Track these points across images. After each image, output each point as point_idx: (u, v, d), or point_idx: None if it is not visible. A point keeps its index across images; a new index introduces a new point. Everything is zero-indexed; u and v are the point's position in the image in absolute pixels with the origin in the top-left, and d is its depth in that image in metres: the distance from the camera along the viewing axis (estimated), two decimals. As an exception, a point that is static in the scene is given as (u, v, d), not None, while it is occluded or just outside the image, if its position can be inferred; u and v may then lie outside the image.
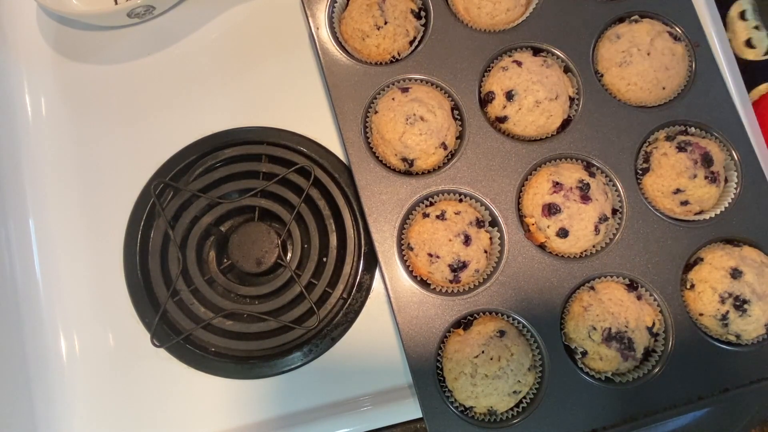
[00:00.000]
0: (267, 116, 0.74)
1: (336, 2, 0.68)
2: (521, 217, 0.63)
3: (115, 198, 0.73)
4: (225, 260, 0.71)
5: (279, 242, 0.68)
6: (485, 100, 0.65)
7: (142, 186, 0.72)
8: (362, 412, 0.65)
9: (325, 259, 0.70)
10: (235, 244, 0.69)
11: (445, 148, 0.64)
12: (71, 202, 0.73)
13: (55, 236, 0.72)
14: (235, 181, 0.71)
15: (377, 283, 0.70)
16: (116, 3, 0.77)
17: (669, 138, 0.64)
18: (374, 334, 0.69)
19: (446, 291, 0.62)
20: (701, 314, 0.61)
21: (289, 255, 0.71)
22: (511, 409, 0.59)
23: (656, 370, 0.60)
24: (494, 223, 0.63)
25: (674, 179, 0.62)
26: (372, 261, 0.70)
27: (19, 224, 0.73)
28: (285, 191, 0.70)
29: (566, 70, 0.66)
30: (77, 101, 0.76)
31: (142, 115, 0.75)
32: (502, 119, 0.64)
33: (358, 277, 0.70)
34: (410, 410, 0.64)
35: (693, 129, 0.65)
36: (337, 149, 0.72)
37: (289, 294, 0.68)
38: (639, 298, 0.61)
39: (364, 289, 0.70)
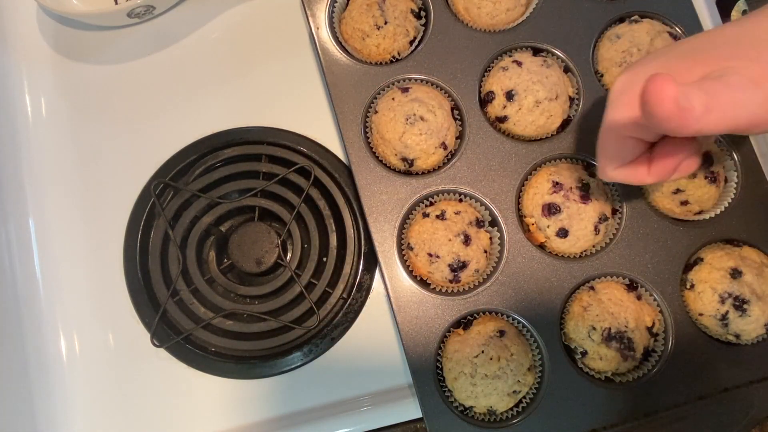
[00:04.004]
0: (267, 116, 0.74)
1: (336, 2, 0.68)
2: (521, 217, 0.63)
3: (115, 198, 0.73)
4: (225, 260, 0.71)
5: (279, 242, 0.68)
6: (485, 100, 0.65)
7: (142, 186, 0.72)
8: (362, 412, 0.65)
9: (325, 259, 0.70)
10: (235, 244, 0.69)
11: (445, 148, 0.64)
12: (71, 202, 0.73)
13: (55, 236, 0.72)
14: (235, 181, 0.71)
15: (377, 283, 0.70)
16: (116, 3, 0.77)
17: (669, 138, 0.64)
18: (374, 334, 0.69)
19: (446, 291, 0.62)
20: (701, 314, 0.61)
21: (289, 255, 0.71)
22: (511, 409, 0.59)
23: (656, 370, 0.60)
24: (494, 223, 0.63)
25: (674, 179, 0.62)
26: (372, 261, 0.70)
27: (19, 224, 0.73)
28: (285, 191, 0.70)
29: (566, 70, 0.66)
30: (77, 101, 0.76)
31: (142, 115, 0.75)
32: (502, 119, 0.65)
33: (358, 277, 0.70)
34: (410, 410, 0.64)
35: (693, 129, 0.65)
36: (337, 149, 0.72)
37: (289, 294, 0.68)
38: (639, 298, 0.61)
39: (364, 289, 0.70)
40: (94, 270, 0.71)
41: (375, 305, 0.69)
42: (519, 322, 0.61)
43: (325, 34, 0.67)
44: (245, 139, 0.73)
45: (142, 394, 0.68)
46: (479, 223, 0.63)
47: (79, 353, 0.70)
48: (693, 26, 0.66)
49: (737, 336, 0.60)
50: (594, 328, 0.59)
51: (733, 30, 0.45)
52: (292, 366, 0.68)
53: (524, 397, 0.60)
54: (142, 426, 0.68)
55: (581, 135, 0.64)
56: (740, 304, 0.59)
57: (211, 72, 0.76)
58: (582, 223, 0.61)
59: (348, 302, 0.69)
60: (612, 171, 0.50)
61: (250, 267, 0.68)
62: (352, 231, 0.70)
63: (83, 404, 0.68)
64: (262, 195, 0.70)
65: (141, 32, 0.77)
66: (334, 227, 0.70)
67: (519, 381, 0.58)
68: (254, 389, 0.68)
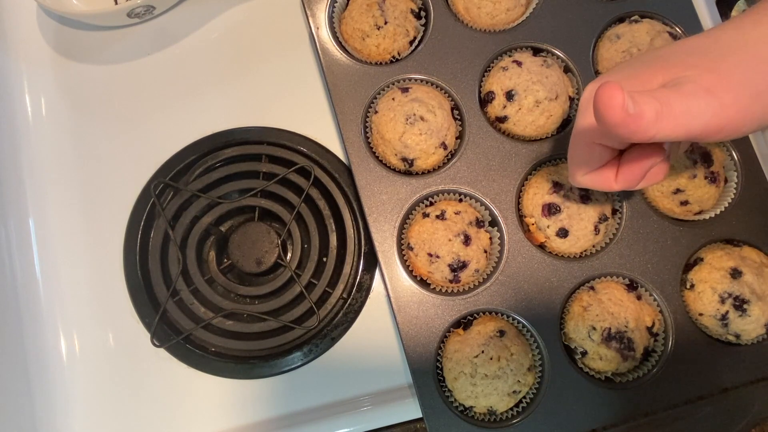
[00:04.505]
0: (267, 116, 0.74)
1: (336, 2, 0.68)
2: (521, 217, 0.63)
3: (115, 198, 0.73)
4: (225, 260, 0.71)
5: (279, 242, 0.68)
6: (485, 100, 0.65)
7: (142, 186, 0.72)
8: (362, 412, 0.65)
9: (325, 259, 0.70)
10: (235, 244, 0.69)
11: (445, 148, 0.64)
12: (71, 202, 0.73)
13: (55, 236, 0.72)
14: (235, 181, 0.71)
15: (377, 283, 0.70)
16: (116, 3, 0.77)
17: (669, 138, 0.64)
18: (374, 334, 0.69)
19: (446, 291, 0.62)
20: (701, 314, 0.61)
21: (289, 255, 0.71)
22: (511, 409, 0.59)
23: (656, 370, 0.60)
24: (494, 222, 0.63)
25: (674, 179, 0.62)
26: (372, 261, 0.70)
27: (19, 224, 0.73)
28: (285, 191, 0.70)
29: (566, 70, 0.66)
30: (77, 101, 0.76)
31: (142, 114, 0.75)
32: (502, 119, 0.65)
33: (358, 277, 0.69)
34: (410, 410, 0.64)
35: (693, 129, 0.65)
36: (337, 149, 0.73)
37: (289, 294, 0.68)
38: (639, 298, 0.61)
39: (364, 289, 0.70)
40: (94, 270, 0.71)
41: (375, 305, 0.69)
42: (519, 322, 0.61)
43: (325, 34, 0.67)
44: (245, 139, 0.73)
45: (142, 394, 0.68)
46: (479, 223, 0.63)
47: (79, 353, 0.70)
48: (693, 26, 0.66)
49: (737, 336, 0.60)
50: (594, 328, 0.59)
51: (695, 40, 0.46)
52: (292, 366, 0.68)
53: (524, 397, 0.60)
54: (142, 426, 0.68)
55: (581, 135, 0.64)
56: (740, 304, 0.59)
57: (211, 72, 0.76)
58: (582, 223, 0.61)
59: (348, 302, 0.69)
60: (581, 177, 0.51)
61: (250, 267, 0.68)
62: (352, 231, 0.70)
63: (83, 404, 0.68)
64: (262, 195, 0.70)
65: (141, 32, 0.77)
66: (334, 227, 0.70)
67: (519, 381, 0.58)
68: (254, 389, 0.68)
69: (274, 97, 0.74)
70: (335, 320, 0.69)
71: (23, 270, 0.71)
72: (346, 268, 0.69)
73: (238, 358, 0.68)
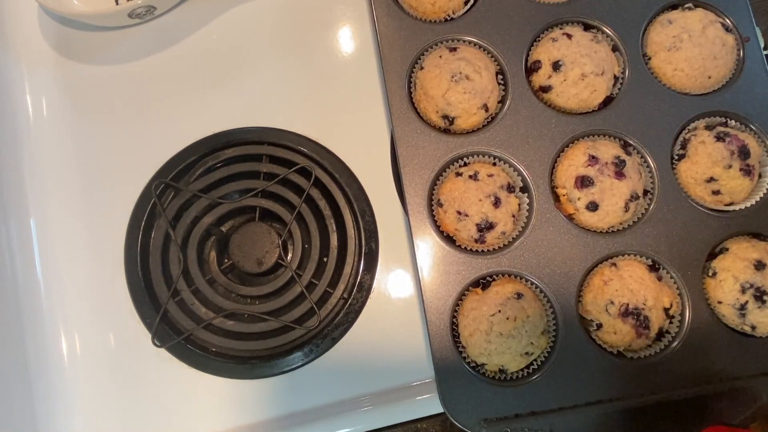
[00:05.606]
0: (267, 116, 0.73)
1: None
2: (552, 187, 0.64)
3: (116, 198, 0.72)
4: (226, 260, 0.71)
5: (280, 242, 0.68)
6: (531, 68, 0.66)
7: (143, 186, 0.72)
8: (362, 412, 0.65)
9: (325, 259, 0.69)
10: (236, 244, 0.69)
11: (487, 110, 0.64)
12: (72, 203, 0.73)
13: (56, 236, 0.72)
14: (235, 182, 0.71)
15: (378, 283, 0.70)
16: (117, 3, 0.76)
17: (708, 127, 0.64)
18: (375, 335, 0.69)
19: (470, 249, 0.63)
20: (720, 302, 0.61)
21: (290, 255, 0.70)
22: (521, 370, 0.60)
23: (668, 350, 0.60)
24: (524, 189, 0.64)
25: (709, 167, 0.62)
26: (372, 261, 0.70)
27: (20, 224, 0.72)
28: (285, 191, 0.70)
29: (614, 49, 0.67)
30: (78, 101, 0.75)
31: (143, 115, 0.75)
32: (546, 89, 0.65)
33: (359, 277, 0.69)
34: (410, 410, 0.65)
35: (733, 122, 0.65)
36: (337, 150, 0.72)
37: (289, 294, 0.68)
38: (659, 279, 0.62)
39: (365, 289, 0.69)
40: (95, 270, 0.71)
41: (376, 305, 0.69)
42: (537, 287, 0.62)
43: (380, -14, 0.67)
44: (246, 140, 0.72)
45: (142, 394, 0.68)
46: (510, 189, 0.63)
47: (80, 353, 0.69)
48: (744, 20, 0.67)
49: (753, 327, 0.60)
50: (612, 302, 0.60)
51: None
52: (293, 366, 0.67)
53: (535, 360, 0.60)
54: (143, 426, 0.67)
55: (622, 114, 0.65)
56: (761, 295, 0.59)
57: (211, 72, 0.75)
58: (613, 198, 0.61)
59: (349, 302, 0.69)
60: None
61: (251, 267, 0.68)
62: (353, 231, 0.70)
63: (84, 404, 0.68)
64: (263, 195, 0.70)
65: (142, 33, 0.77)
66: (334, 227, 0.70)
67: (532, 343, 0.59)
68: (255, 389, 0.67)
69: (274, 97, 0.74)
70: (336, 320, 0.68)
71: (24, 270, 0.71)
72: (347, 269, 0.69)
73: (238, 358, 0.68)
